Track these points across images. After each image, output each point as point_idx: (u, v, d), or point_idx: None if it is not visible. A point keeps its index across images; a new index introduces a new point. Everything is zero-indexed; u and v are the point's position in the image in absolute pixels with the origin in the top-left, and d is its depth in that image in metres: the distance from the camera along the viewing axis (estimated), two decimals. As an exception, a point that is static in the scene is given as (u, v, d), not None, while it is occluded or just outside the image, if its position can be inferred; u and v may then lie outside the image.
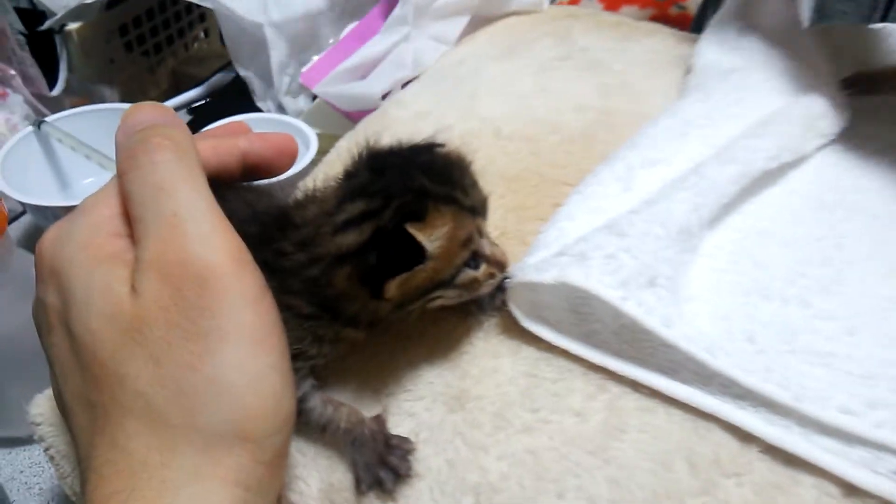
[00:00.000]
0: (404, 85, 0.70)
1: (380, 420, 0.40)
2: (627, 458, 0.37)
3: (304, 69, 0.76)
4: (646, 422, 0.38)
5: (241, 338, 0.32)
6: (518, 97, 0.58)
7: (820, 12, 0.50)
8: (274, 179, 0.44)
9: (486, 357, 0.42)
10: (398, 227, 0.35)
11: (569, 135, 0.53)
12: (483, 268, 0.39)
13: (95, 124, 0.82)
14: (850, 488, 0.34)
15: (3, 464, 0.60)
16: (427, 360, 0.42)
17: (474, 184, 0.39)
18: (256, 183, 0.43)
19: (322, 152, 0.64)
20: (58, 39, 0.89)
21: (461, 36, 0.72)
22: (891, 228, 0.46)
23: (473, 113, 0.57)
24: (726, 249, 0.44)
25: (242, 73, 0.86)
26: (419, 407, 0.41)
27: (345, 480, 0.40)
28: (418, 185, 0.36)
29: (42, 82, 0.90)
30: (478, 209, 0.38)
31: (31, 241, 0.80)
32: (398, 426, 0.40)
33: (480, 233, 0.38)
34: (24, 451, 0.61)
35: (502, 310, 0.43)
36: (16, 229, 0.83)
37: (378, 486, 0.38)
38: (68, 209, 0.68)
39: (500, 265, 0.40)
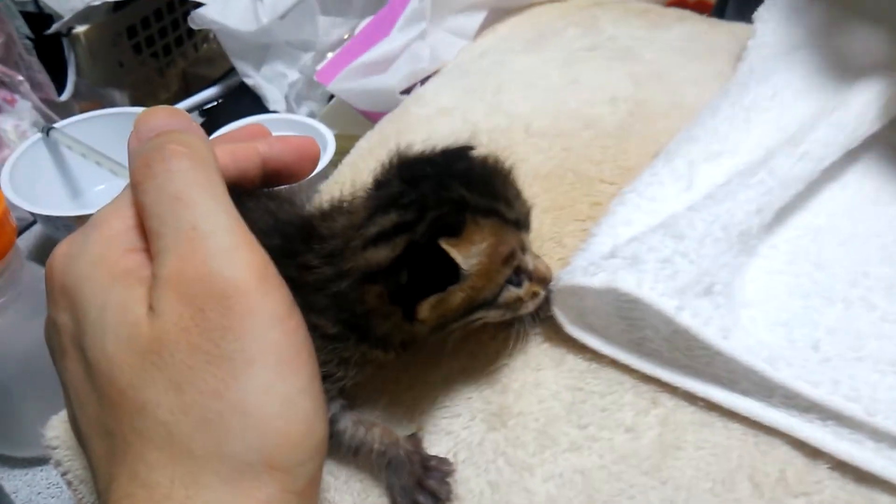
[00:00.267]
0: (423, 81, 0.67)
1: (415, 440, 0.38)
2: (685, 477, 0.35)
3: (319, 67, 0.74)
4: (703, 438, 0.36)
5: (268, 360, 0.29)
6: (546, 91, 0.56)
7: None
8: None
9: (528, 370, 0.39)
10: (432, 242, 0.32)
11: (603, 129, 0.51)
12: (526, 285, 0.36)
13: (106, 129, 0.80)
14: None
15: (20, 485, 0.59)
16: (463, 373, 0.40)
17: (518, 194, 0.36)
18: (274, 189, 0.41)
19: (340, 153, 0.62)
20: (65, 43, 0.88)
21: (480, 29, 0.69)
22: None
23: (500, 108, 0.55)
24: (781, 249, 0.41)
25: (250, 82, 0.84)
26: (457, 425, 0.38)
27: (380, 505, 0.37)
28: (456, 196, 0.33)
29: (50, 87, 0.89)
30: (521, 222, 0.35)
31: (42, 253, 0.78)
32: (435, 446, 0.38)
33: (524, 248, 0.36)
34: (42, 471, 0.60)
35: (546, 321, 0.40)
36: (26, 241, 0.81)
37: (417, 510, 0.36)
38: (80, 218, 0.66)
39: (545, 281, 0.37)
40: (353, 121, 0.73)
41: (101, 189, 0.81)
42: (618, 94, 0.54)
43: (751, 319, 0.37)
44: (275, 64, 0.82)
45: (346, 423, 0.37)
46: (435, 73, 0.66)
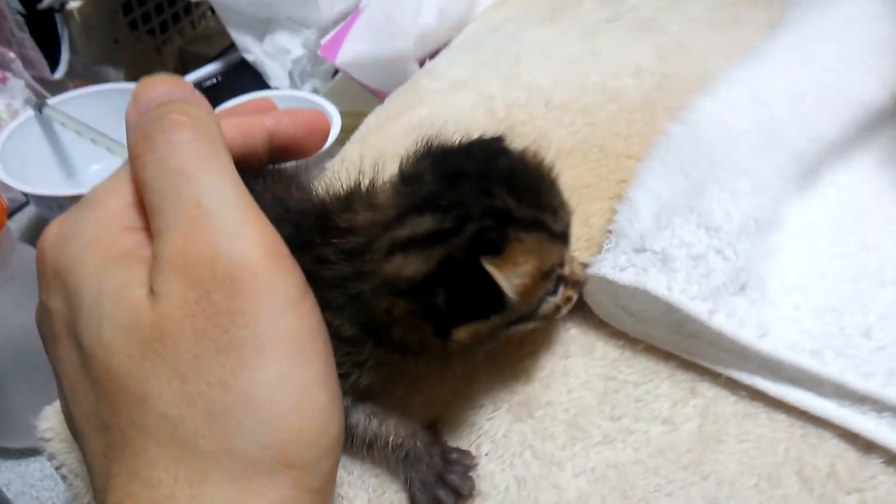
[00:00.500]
0: (432, 56, 0.64)
1: (435, 431, 0.36)
2: (728, 472, 0.33)
3: (323, 41, 0.71)
4: (747, 430, 0.34)
5: (280, 347, 0.27)
6: (567, 63, 0.53)
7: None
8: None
9: (555, 357, 0.37)
10: (472, 259, 0.29)
11: (628, 102, 0.48)
12: (561, 290, 0.33)
13: (101, 106, 0.77)
14: None
15: (12, 477, 0.57)
16: (485, 360, 0.38)
17: (563, 202, 0.33)
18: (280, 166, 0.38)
19: (347, 131, 0.59)
20: (58, 19, 0.85)
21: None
22: None
23: (518, 81, 0.52)
24: (823, 230, 0.38)
25: (251, 58, 0.81)
26: (479, 416, 0.36)
27: (398, 501, 0.35)
28: (500, 206, 0.30)
29: (43, 65, 0.86)
30: (566, 234, 0.33)
31: (35, 234, 0.76)
32: (456, 438, 0.36)
33: (565, 260, 0.33)
34: (35, 462, 0.58)
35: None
36: (18, 222, 0.79)
37: (437, 507, 0.34)
38: (75, 199, 0.63)
39: (579, 285, 0.35)
40: (359, 97, 0.71)
41: (97, 169, 0.79)
42: (643, 66, 0.51)
43: (793, 307, 0.35)
44: (277, 38, 0.78)
45: (359, 416, 0.35)
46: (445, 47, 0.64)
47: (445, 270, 0.29)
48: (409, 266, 0.30)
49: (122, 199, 0.30)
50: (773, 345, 0.33)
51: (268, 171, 0.38)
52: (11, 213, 0.78)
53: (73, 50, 0.87)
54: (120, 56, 0.92)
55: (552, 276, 0.32)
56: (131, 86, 0.79)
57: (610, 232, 0.38)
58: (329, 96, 0.74)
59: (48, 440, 0.41)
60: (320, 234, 0.33)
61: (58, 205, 0.66)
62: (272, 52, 0.80)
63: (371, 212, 0.32)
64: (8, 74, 0.84)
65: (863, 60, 0.43)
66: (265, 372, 0.27)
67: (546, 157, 0.34)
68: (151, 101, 0.31)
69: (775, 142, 0.39)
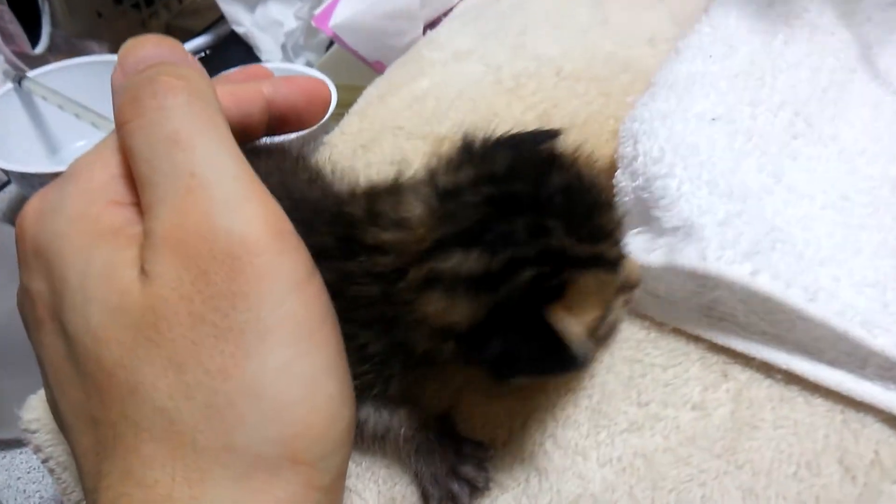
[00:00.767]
0: (433, 25, 0.61)
1: (447, 422, 0.34)
2: (764, 461, 0.31)
3: (317, 11, 0.68)
4: (783, 415, 0.32)
5: (285, 333, 0.25)
6: (577, 31, 0.50)
7: None
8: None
9: (576, 340, 0.35)
10: (529, 309, 0.26)
11: (643, 72, 0.46)
12: (619, 304, 0.30)
13: (85, 79, 0.74)
14: None
15: (-3, 469, 0.54)
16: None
17: (619, 221, 0.29)
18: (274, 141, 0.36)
19: (343, 105, 0.56)
20: (39, -9, 0.81)
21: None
22: None
23: (526, 50, 0.49)
24: (858, 201, 0.36)
25: (241, 31, 0.78)
26: (495, 405, 0.34)
27: (409, 495, 0.33)
28: (556, 246, 0.27)
29: (24, 39, 0.84)
30: (621, 259, 0.29)
31: (17, 214, 0.73)
32: (470, 429, 0.34)
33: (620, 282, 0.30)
34: (22, 454, 0.56)
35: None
36: (-1, 202, 0.75)
37: (451, 501, 0.32)
38: (58, 176, 0.61)
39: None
40: (354, 71, 0.68)
41: (82, 145, 0.76)
42: (657, 35, 0.49)
43: (832, 279, 0.32)
44: (269, 9, 0.75)
45: (368, 410, 0.33)
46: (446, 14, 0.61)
47: (498, 319, 0.27)
48: (455, 310, 0.27)
49: (108, 170, 0.28)
50: (823, 311, 0.30)
51: (263, 150, 0.35)
52: (-9, 193, 0.75)
53: (54, 24, 0.84)
54: (103, 30, 0.89)
55: (611, 304, 0.29)
56: (116, 58, 0.76)
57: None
58: (323, 70, 0.71)
59: (34, 431, 0.38)
60: (342, 244, 0.30)
61: (40, 183, 0.63)
62: (264, 25, 0.77)
63: (402, 232, 0.29)
64: (-14, 49, 0.81)
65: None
66: (269, 360, 0.25)
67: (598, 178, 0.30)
68: (140, 62, 0.29)
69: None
